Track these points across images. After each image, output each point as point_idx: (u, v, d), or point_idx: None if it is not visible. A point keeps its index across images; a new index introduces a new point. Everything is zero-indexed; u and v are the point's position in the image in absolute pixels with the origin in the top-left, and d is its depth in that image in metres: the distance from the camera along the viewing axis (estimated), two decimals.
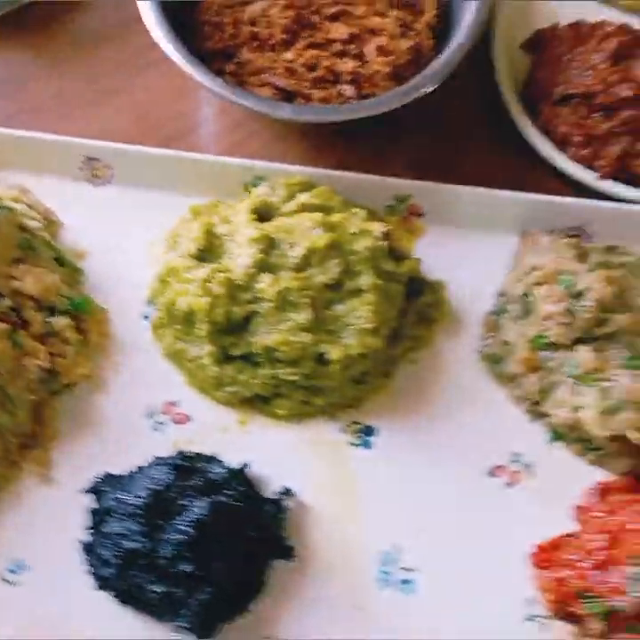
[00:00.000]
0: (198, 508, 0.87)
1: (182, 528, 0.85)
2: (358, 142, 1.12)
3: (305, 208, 1.01)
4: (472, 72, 1.12)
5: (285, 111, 0.98)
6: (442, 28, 1.10)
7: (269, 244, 0.96)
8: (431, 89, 1.00)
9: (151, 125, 1.14)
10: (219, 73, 1.05)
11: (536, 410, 0.97)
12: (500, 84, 1.10)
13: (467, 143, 1.13)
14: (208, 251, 1.00)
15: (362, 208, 1.04)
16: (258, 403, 0.98)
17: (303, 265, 0.96)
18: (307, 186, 1.04)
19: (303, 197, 1.01)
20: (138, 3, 1.02)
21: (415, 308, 1.01)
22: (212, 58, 1.06)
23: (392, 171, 1.08)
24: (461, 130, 1.14)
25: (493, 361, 1.00)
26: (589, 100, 1.07)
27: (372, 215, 1.05)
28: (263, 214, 1.02)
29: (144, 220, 1.07)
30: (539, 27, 1.17)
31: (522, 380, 0.97)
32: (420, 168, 1.11)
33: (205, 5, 1.07)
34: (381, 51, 1.03)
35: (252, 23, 1.06)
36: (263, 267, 0.96)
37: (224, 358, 0.97)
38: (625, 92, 1.04)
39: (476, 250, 1.07)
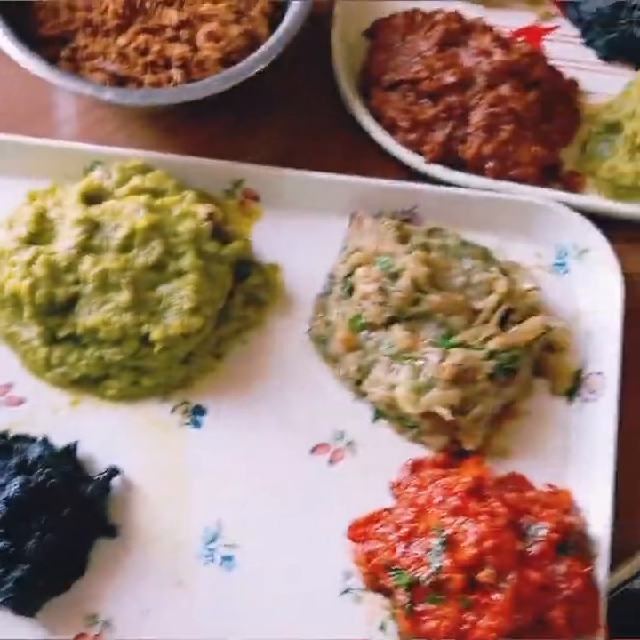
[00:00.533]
0: (12, 486, 0.88)
1: None
2: (203, 128, 1.14)
3: (136, 191, 1.02)
4: (315, 59, 1.14)
5: (108, 94, 0.99)
6: (280, 16, 1.11)
7: (94, 226, 0.98)
8: (253, 73, 1.01)
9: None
10: (54, 59, 1.06)
11: (358, 389, 1.00)
12: (335, 69, 1.11)
13: (307, 128, 1.15)
14: (39, 234, 1.01)
15: (198, 192, 1.05)
16: (89, 383, 1.00)
17: (125, 246, 0.97)
18: (142, 170, 1.05)
19: (135, 181, 1.02)
20: None
21: (243, 289, 1.02)
22: (48, 43, 1.07)
23: (235, 156, 1.09)
24: (303, 115, 1.16)
25: (320, 341, 1.02)
26: (416, 86, 1.09)
27: (206, 198, 1.07)
28: (95, 198, 1.03)
29: None
30: (380, 16, 1.19)
31: (343, 359, 0.99)
32: (261, 152, 1.12)
33: None
34: (211, 36, 1.05)
35: (87, 9, 1.06)
36: (86, 248, 0.97)
37: (52, 340, 0.98)
38: (448, 78, 1.07)
39: (310, 233, 1.09)
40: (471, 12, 1.20)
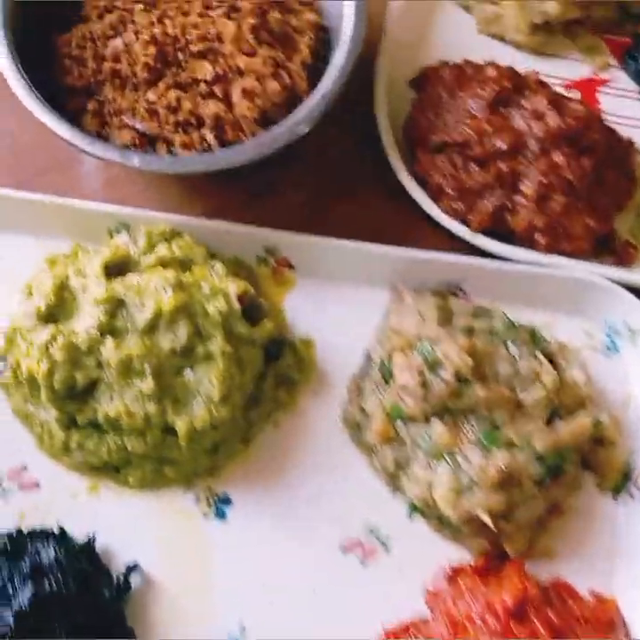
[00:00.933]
0: (21, 597, 0.82)
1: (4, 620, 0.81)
2: (234, 188, 1.06)
3: (163, 262, 0.96)
4: (356, 110, 1.06)
5: (134, 161, 0.92)
6: (319, 67, 1.03)
7: (117, 305, 0.91)
8: (293, 138, 0.94)
9: (19, 160, 1.07)
10: (79, 112, 0.99)
11: (394, 482, 0.94)
12: (379, 125, 1.04)
13: (346, 188, 1.08)
14: (60, 307, 0.94)
15: (229, 259, 1.00)
16: (109, 470, 0.94)
17: (150, 328, 0.90)
18: (170, 235, 0.98)
19: (162, 250, 0.96)
20: None
21: (275, 370, 0.96)
22: (73, 94, 1.00)
23: (268, 218, 1.03)
24: (341, 174, 1.09)
25: (354, 428, 0.96)
26: (465, 150, 1.01)
27: (239, 266, 1.01)
28: (120, 267, 0.96)
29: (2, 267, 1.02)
30: (428, 63, 1.11)
31: (379, 451, 0.93)
32: (296, 215, 1.06)
33: (66, 38, 1.00)
34: (248, 93, 0.97)
35: (115, 59, 0.99)
36: (109, 330, 0.90)
37: (71, 423, 0.92)
38: (499, 144, 0.99)
39: (347, 305, 1.03)
40: (524, 58, 1.14)
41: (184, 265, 0.97)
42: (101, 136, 0.99)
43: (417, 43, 1.12)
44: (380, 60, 1.07)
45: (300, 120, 0.95)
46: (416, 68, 1.11)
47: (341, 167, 1.08)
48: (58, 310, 0.94)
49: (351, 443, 0.98)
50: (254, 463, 0.97)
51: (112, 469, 0.94)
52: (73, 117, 0.98)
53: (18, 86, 0.94)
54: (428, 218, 1.04)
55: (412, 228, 1.04)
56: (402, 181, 1.03)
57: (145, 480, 0.94)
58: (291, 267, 1.03)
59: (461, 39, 1.13)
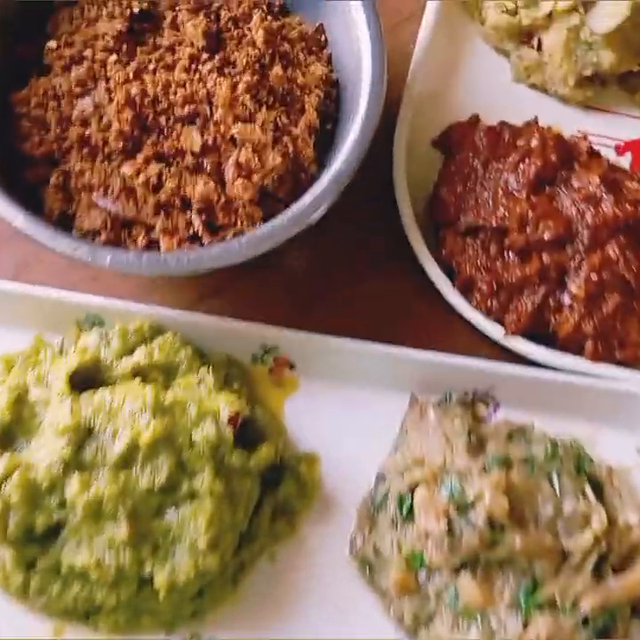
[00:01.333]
0: None
1: None
2: (227, 279, 0.90)
3: (140, 370, 0.80)
4: (371, 167, 0.87)
5: (107, 260, 0.76)
6: (328, 130, 0.86)
7: (85, 433, 0.75)
8: (296, 231, 0.78)
9: None
10: (40, 182, 0.83)
11: (412, 636, 0.79)
12: (398, 200, 0.88)
13: (358, 268, 0.92)
14: (16, 424, 0.79)
15: (219, 359, 0.84)
16: (76, 615, 0.79)
17: (124, 463, 0.75)
18: (150, 333, 0.83)
19: (139, 354, 0.81)
20: None
21: (274, 500, 0.81)
22: (32, 164, 0.83)
23: (268, 308, 0.89)
24: (354, 249, 0.93)
25: (365, 566, 0.81)
26: (501, 236, 0.85)
27: (231, 366, 0.85)
28: (89, 375, 0.80)
29: None
30: (456, 117, 0.94)
31: (396, 601, 0.79)
32: (301, 301, 0.91)
33: (23, 95, 0.83)
34: (243, 169, 0.81)
35: (83, 123, 0.82)
36: (75, 464, 0.75)
37: (30, 566, 0.77)
38: (544, 232, 0.83)
39: (357, 412, 0.88)
40: (570, 114, 0.98)
41: (166, 372, 0.82)
42: (65, 216, 0.82)
43: (443, 91, 0.96)
44: (401, 116, 0.90)
45: (306, 208, 0.79)
46: (442, 122, 0.95)
47: (355, 241, 0.92)
48: (14, 429, 0.79)
49: (360, 579, 0.83)
50: (246, 604, 0.83)
51: (80, 615, 0.79)
52: (31, 191, 0.82)
53: None
54: (454, 312, 0.88)
55: (435, 321, 0.90)
56: (424, 268, 0.87)
57: (118, 627, 0.79)
58: (292, 367, 0.87)
59: (495, 89, 0.97)
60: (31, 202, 0.82)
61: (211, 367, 0.83)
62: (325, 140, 0.87)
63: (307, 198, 0.79)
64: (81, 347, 0.82)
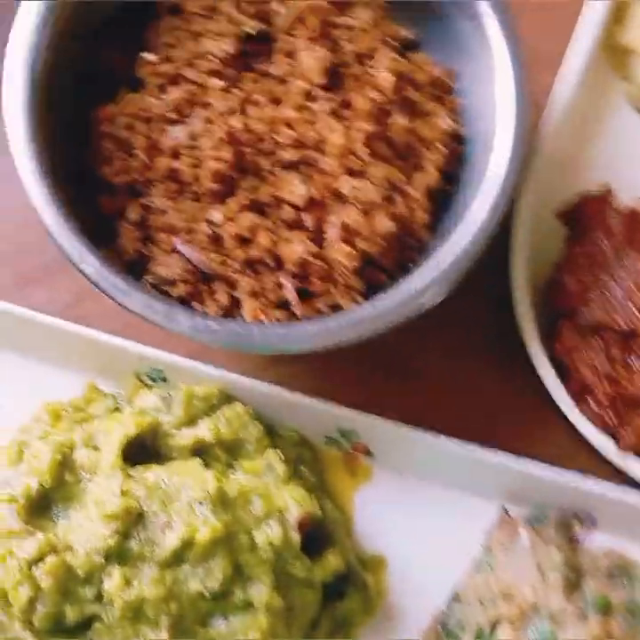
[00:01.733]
0: None
1: None
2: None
3: (203, 446, 0.70)
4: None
5: (184, 326, 0.65)
6: (446, 191, 0.75)
7: (134, 520, 0.65)
8: (406, 318, 0.67)
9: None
10: (116, 215, 0.72)
11: None
12: (513, 284, 0.77)
13: (458, 354, 0.81)
14: (56, 491, 0.69)
15: (291, 438, 0.74)
16: None
17: (174, 560, 0.65)
18: (219, 401, 0.73)
19: (203, 429, 0.71)
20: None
21: (333, 614, 0.71)
22: (109, 191, 0.72)
23: (348, 384, 0.79)
24: (453, 332, 0.81)
25: None
26: (630, 340, 0.74)
27: (302, 446, 0.74)
28: (146, 442, 0.70)
29: None
30: (585, 185, 0.82)
31: None
32: (388, 382, 0.81)
33: (108, 111, 0.72)
34: (349, 232, 0.70)
35: (174, 154, 0.71)
36: (118, 553, 0.65)
37: None
38: None
39: (435, 515, 0.78)
40: None
41: (231, 449, 0.71)
42: (141, 259, 0.71)
43: (575, 155, 0.84)
44: (526, 182, 0.79)
45: (420, 289, 0.67)
46: (568, 190, 0.83)
47: (457, 319, 0.80)
48: (53, 496, 0.69)
49: None
50: None
51: None
52: (104, 224, 0.71)
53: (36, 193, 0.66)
54: (561, 415, 0.77)
55: (538, 422, 0.79)
56: (534, 363, 0.76)
57: None
58: (368, 453, 0.77)
59: (636, 159, 0.84)
60: (101, 231, 0.71)
61: (281, 450, 0.73)
62: (441, 200, 0.76)
63: (423, 276, 0.68)
64: (139, 408, 0.72)
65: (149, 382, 0.76)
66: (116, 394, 0.76)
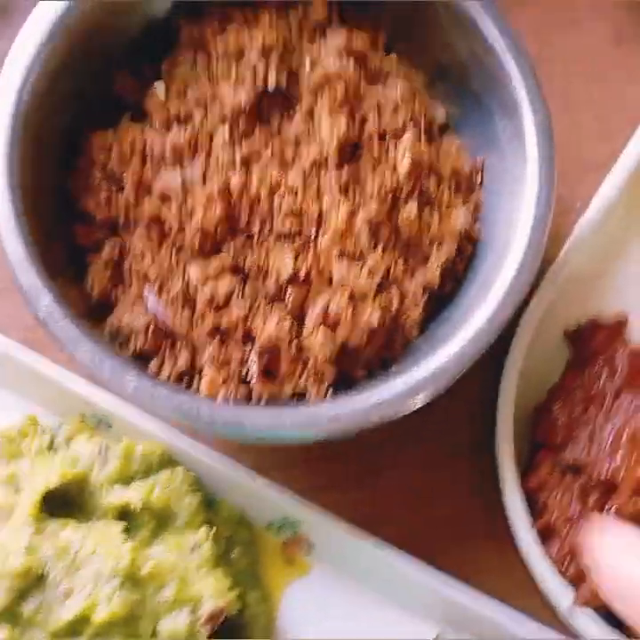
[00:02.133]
0: None
1: None
2: None
3: (130, 510, 0.65)
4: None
5: (128, 389, 0.61)
6: (445, 290, 0.70)
7: (33, 581, 0.61)
8: (386, 419, 0.62)
9: None
10: (93, 248, 0.68)
11: None
12: (498, 411, 0.71)
13: (432, 466, 0.75)
14: None
15: (230, 514, 0.69)
16: None
17: (67, 633, 0.61)
18: (159, 463, 0.69)
19: (135, 493, 0.66)
20: None
21: None
22: (89, 224, 0.68)
23: (303, 469, 0.74)
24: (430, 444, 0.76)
25: None
26: (608, 492, 0.68)
27: (240, 525, 0.69)
28: (71, 493, 0.66)
29: None
30: (595, 310, 0.77)
31: None
32: (346, 476, 0.76)
33: (102, 138, 0.68)
34: (330, 320, 0.65)
35: (164, 198, 0.66)
36: (9, 614, 0.60)
37: None
38: None
39: (365, 626, 0.73)
40: None
41: (160, 519, 0.67)
42: (108, 301, 0.67)
43: (591, 277, 0.77)
44: (536, 300, 0.73)
45: (406, 390, 0.62)
46: (576, 313, 0.77)
47: (431, 425, 0.75)
48: None
49: None
50: None
51: None
52: (76, 255, 0.67)
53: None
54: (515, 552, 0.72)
55: (495, 552, 0.73)
56: (504, 496, 0.70)
57: None
58: (310, 547, 0.72)
59: None
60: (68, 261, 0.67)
61: (216, 525, 0.68)
62: (437, 299, 0.70)
63: (412, 376, 0.62)
64: (72, 456, 0.67)
65: (93, 425, 0.72)
66: (56, 430, 0.71)
